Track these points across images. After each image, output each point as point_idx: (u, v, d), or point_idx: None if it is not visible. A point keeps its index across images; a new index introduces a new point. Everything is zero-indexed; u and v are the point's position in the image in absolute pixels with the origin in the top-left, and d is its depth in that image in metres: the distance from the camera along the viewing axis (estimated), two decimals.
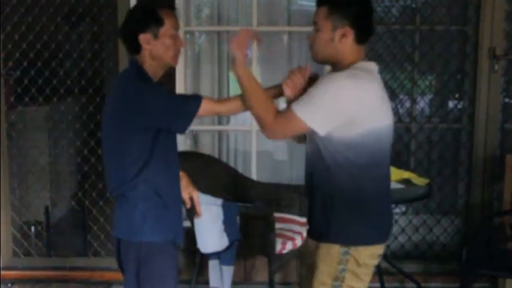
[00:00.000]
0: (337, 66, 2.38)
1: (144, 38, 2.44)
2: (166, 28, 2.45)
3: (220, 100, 2.77)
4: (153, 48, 2.46)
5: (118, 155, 2.46)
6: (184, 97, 2.53)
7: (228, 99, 2.75)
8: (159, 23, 2.44)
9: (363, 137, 2.29)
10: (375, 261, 2.45)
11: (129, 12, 2.54)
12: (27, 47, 4.46)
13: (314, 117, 2.28)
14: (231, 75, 4.65)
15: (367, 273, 2.42)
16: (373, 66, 2.41)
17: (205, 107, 2.47)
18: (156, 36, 2.45)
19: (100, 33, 5.01)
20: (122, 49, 4.14)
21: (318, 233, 2.45)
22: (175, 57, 2.53)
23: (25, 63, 4.49)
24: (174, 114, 2.44)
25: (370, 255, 2.40)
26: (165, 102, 2.42)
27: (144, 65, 2.49)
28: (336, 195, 2.36)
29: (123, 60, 4.12)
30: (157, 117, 2.41)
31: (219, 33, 4.50)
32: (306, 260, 2.61)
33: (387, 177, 2.47)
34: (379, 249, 2.43)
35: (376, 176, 2.38)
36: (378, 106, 2.32)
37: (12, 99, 4.58)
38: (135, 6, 2.60)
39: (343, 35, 2.33)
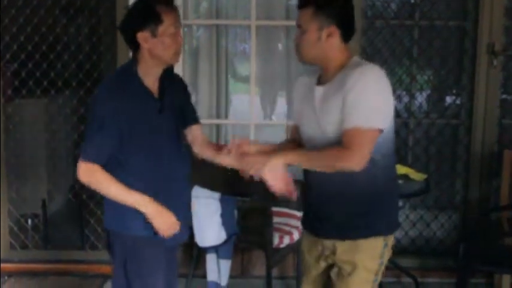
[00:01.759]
0: (327, 66, 2.38)
1: (142, 36, 2.41)
2: (165, 26, 2.41)
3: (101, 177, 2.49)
4: (152, 47, 2.42)
5: None
6: (95, 140, 2.44)
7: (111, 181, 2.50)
8: (158, 21, 2.40)
9: (391, 127, 2.36)
10: None
11: (128, 9, 2.51)
12: (25, 40, 4.45)
13: (379, 119, 2.28)
14: (230, 69, 4.65)
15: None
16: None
17: (83, 166, 2.47)
18: (154, 35, 2.41)
19: (98, 26, 4.99)
20: (120, 42, 4.13)
21: (350, 232, 2.40)
22: (176, 55, 2.50)
23: (23, 56, 4.47)
24: (86, 139, 2.47)
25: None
26: (90, 126, 2.45)
27: (141, 63, 2.48)
28: (369, 188, 2.35)
29: (121, 53, 4.11)
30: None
31: (217, 27, 4.49)
32: (317, 261, 2.55)
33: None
34: None
35: (394, 166, 2.47)
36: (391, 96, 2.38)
37: (9, 91, 4.56)
38: (134, 3, 2.52)
39: (330, 34, 2.34)
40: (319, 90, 2.40)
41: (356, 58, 2.40)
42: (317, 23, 2.33)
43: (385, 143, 2.33)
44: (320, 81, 2.43)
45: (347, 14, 2.38)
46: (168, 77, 2.60)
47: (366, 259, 2.38)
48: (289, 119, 3.75)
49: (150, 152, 2.50)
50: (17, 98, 4.73)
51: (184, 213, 2.70)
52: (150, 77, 2.50)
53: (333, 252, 2.45)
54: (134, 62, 2.49)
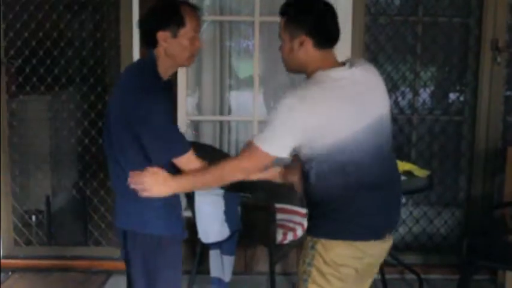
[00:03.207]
0: (307, 75, 2.36)
1: (162, 35, 2.42)
2: (186, 30, 2.43)
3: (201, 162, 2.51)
4: (169, 46, 2.43)
5: (126, 150, 2.43)
6: (178, 135, 2.44)
7: (208, 166, 2.50)
8: (180, 23, 2.42)
9: (328, 150, 2.23)
10: (350, 262, 2.30)
11: (152, 7, 2.50)
12: (29, 36, 4.45)
13: (274, 146, 2.26)
14: (233, 65, 4.65)
15: (335, 276, 2.30)
16: (338, 72, 2.29)
17: (185, 159, 2.43)
18: (174, 36, 2.42)
19: (102, 22, 5.00)
20: (124, 39, 4.14)
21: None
22: (190, 58, 2.51)
23: (27, 52, 4.48)
24: (159, 145, 2.40)
25: (340, 254, 2.29)
26: (160, 128, 2.37)
27: (157, 61, 2.47)
28: (311, 193, 2.35)
29: (125, 50, 4.12)
30: (145, 136, 2.37)
31: (220, 23, 4.49)
32: None
33: (372, 176, 2.31)
34: (354, 251, 2.30)
35: (349, 181, 2.27)
36: (339, 115, 2.23)
37: (13, 87, 4.58)
38: (159, 2, 2.51)
39: (301, 44, 2.31)
40: None
41: (321, 72, 2.28)
42: (288, 33, 2.32)
43: (320, 157, 2.25)
44: None
45: (319, 22, 2.31)
46: None
47: (302, 256, 2.40)
48: None
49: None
50: (21, 94, 4.74)
51: None
52: (163, 78, 2.51)
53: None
54: (154, 61, 2.49)
